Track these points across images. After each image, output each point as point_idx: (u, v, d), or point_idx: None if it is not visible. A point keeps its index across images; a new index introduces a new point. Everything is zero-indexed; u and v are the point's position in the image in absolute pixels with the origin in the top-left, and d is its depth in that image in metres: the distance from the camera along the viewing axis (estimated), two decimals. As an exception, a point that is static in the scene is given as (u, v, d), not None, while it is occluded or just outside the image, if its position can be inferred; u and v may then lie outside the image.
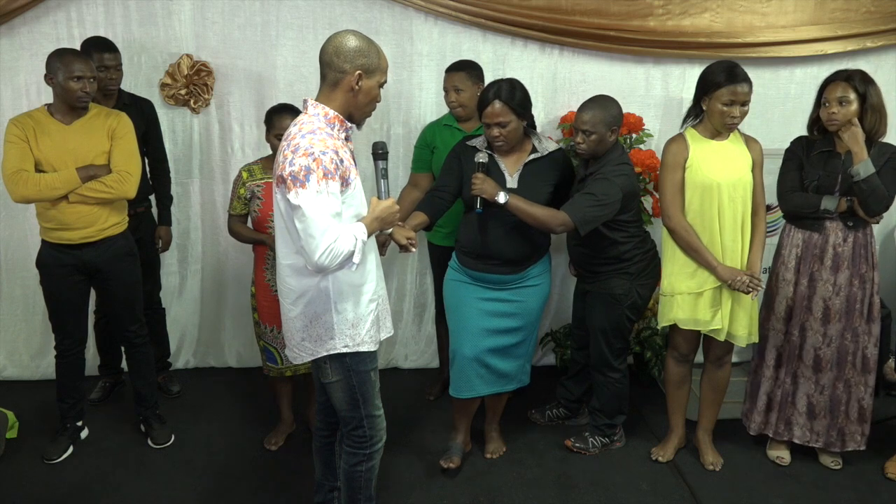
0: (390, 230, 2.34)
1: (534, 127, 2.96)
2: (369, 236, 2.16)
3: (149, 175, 3.50)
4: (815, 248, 2.98)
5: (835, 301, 2.98)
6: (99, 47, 3.19)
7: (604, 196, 2.79)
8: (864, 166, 2.80)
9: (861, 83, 2.84)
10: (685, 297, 2.97)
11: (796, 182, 2.99)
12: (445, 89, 3.29)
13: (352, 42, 2.09)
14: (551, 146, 2.92)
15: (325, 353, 2.23)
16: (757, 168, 2.92)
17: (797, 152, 3.02)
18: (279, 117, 2.89)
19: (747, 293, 2.87)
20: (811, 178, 2.95)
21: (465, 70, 3.25)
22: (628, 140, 3.60)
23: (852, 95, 2.83)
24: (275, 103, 3.06)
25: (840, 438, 3.10)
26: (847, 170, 2.86)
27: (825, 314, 3.00)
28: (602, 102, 2.90)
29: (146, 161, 3.46)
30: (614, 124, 2.89)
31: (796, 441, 3.15)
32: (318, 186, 1.99)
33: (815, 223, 2.97)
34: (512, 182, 2.85)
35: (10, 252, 3.71)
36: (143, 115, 3.37)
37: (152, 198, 3.56)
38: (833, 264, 2.96)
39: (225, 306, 3.98)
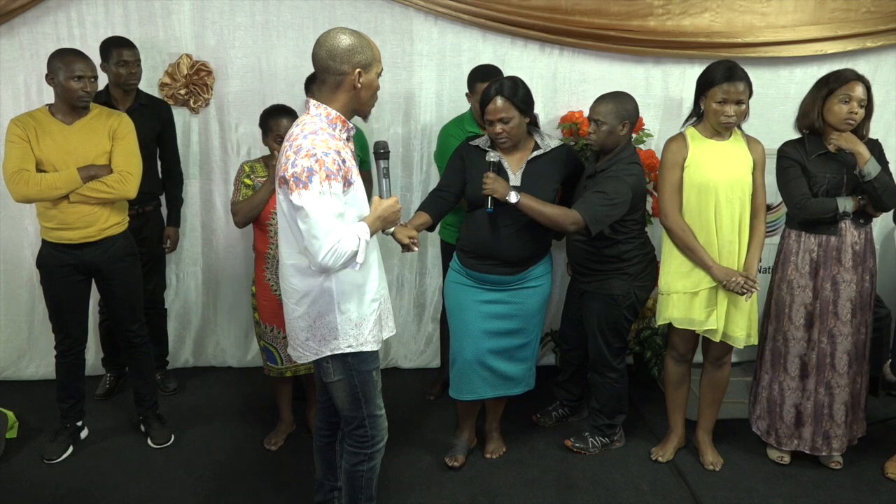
0: (392, 229, 2.34)
1: (537, 125, 2.95)
2: (372, 235, 2.16)
3: (160, 175, 3.51)
4: (833, 250, 2.94)
5: (856, 300, 2.97)
6: (118, 44, 3.24)
7: (615, 195, 2.79)
8: (871, 165, 2.79)
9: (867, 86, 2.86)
10: (681, 297, 2.97)
11: (806, 189, 2.91)
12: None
13: (344, 42, 2.08)
14: (554, 142, 2.91)
15: (328, 353, 2.24)
16: (758, 169, 2.91)
17: (797, 158, 2.94)
18: (276, 120, 2.88)
19: (742, 294, 2.87)
20: (820, 183, 2.90)
21: None
22: (628, 140, 3.61)
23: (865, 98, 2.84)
24: (275, 103, 3.05)
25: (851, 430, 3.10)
26: (853, 171, 2.85)
27: (853, 314, 2.97)
28: (618, 96, 2.93)
29: (159, 162, 3.47)
30: (626, 118, 2.89)
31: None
32: (320, 187, 1.99)
33: (830, 227, 2.93)
34: (515, 180, 2.83)
35: (10, 252, 3.70)
36: (158, 116, 3.40)
37: (162, 197, 3.57)
38: (853, 264, 2.94)
39: (224, 306, 3.97)
